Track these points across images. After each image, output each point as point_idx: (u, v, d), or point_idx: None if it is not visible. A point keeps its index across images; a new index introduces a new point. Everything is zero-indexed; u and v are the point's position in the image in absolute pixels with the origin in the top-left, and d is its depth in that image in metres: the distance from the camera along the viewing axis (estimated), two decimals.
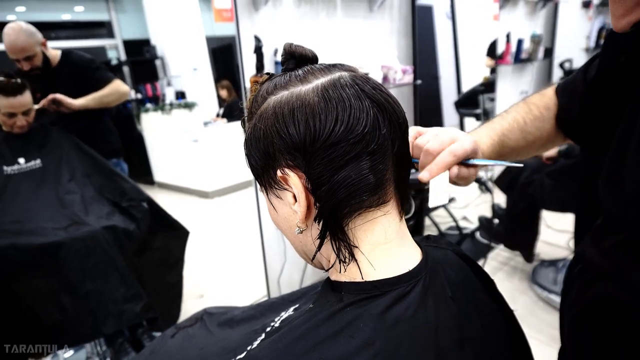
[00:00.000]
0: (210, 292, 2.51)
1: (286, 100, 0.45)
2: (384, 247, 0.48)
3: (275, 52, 1.76)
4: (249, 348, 0.63)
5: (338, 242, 0.47)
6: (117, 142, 2.17)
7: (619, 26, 0.47)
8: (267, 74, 0.52)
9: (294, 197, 0.47)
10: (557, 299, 2.08)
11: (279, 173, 0.46)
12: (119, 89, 1.95)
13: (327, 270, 0.52)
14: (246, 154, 0.51)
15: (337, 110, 0.43)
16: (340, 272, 0.49)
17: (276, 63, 1.76)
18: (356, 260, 0.47)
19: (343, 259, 0.47)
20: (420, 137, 0.67)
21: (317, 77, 0.47)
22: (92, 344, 1.73)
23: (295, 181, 0.45)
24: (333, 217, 0.46)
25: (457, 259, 0.55)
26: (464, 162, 0.64)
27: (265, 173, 0.49)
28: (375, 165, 0.45)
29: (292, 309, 0.70)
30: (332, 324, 0.43)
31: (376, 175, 0.45)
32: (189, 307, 2.07)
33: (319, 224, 0.47)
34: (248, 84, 1.65)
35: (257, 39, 1.64)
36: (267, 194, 0.52)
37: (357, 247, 0.47)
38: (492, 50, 3.08)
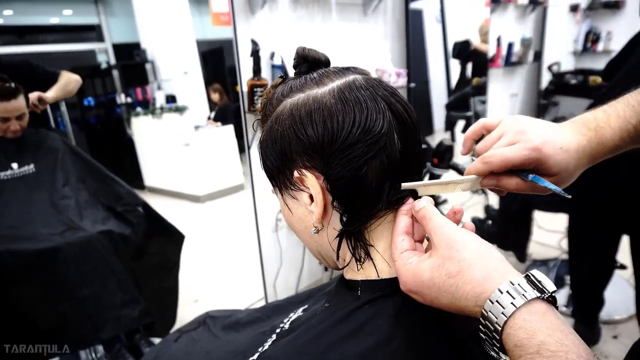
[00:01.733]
0: (205, 296, 2.49)
1: (303, 102, 0.46)
2: None
3: (272, 55, 1.76)
4: (260, 350, 0.63)
5: (354, 242, 0.48)
6: None
7: None
8: (281, 77, 0.53)
9: (310, 197, 0.47)
10: None
11: (295, 174, 0.47)
12: (72, 76, 1.87)
13: (341, 269, 0.52)
14: (261, 156, 0.51)
15: (354, 111, 0.44)
16: (356, 270, 0.49)
17: (273, 66, 1.76)
18: (372, 259, 0.48)
19: (359, 258, 0.48)
20: (484, 138, 0.55)
21: (333, 80, 0.47)
22: (86, 351, 1.71)
23: (312, 182, 0.46)
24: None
25: None
26: (519, 174, 0.50)
27: (280, 174, 0.50)
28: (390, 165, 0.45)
29: (300, 310, 0.70)
30: (350, 322, 0.44)
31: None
32: (184, 312, 2.05)
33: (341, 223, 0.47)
34: (245, 88, 1.65)
35: (254, 43, 1.64)
36: (281, 195, 0.52)
37: (372, 246, 0.48)
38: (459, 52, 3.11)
